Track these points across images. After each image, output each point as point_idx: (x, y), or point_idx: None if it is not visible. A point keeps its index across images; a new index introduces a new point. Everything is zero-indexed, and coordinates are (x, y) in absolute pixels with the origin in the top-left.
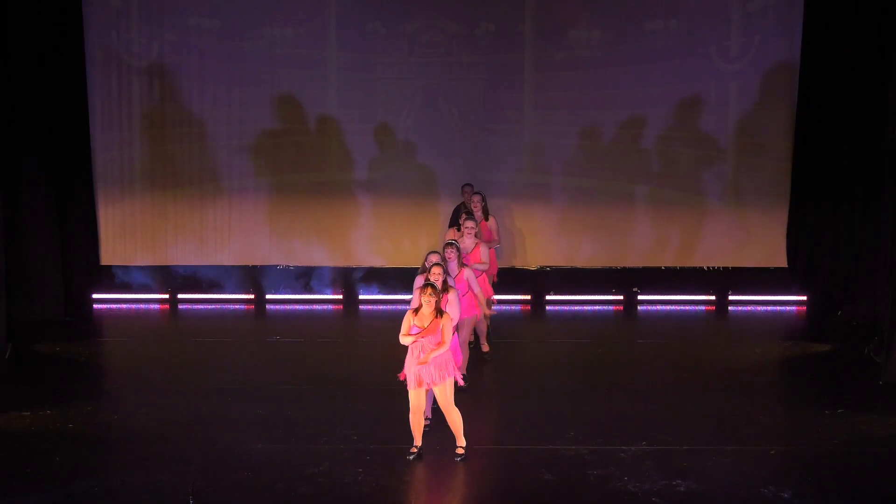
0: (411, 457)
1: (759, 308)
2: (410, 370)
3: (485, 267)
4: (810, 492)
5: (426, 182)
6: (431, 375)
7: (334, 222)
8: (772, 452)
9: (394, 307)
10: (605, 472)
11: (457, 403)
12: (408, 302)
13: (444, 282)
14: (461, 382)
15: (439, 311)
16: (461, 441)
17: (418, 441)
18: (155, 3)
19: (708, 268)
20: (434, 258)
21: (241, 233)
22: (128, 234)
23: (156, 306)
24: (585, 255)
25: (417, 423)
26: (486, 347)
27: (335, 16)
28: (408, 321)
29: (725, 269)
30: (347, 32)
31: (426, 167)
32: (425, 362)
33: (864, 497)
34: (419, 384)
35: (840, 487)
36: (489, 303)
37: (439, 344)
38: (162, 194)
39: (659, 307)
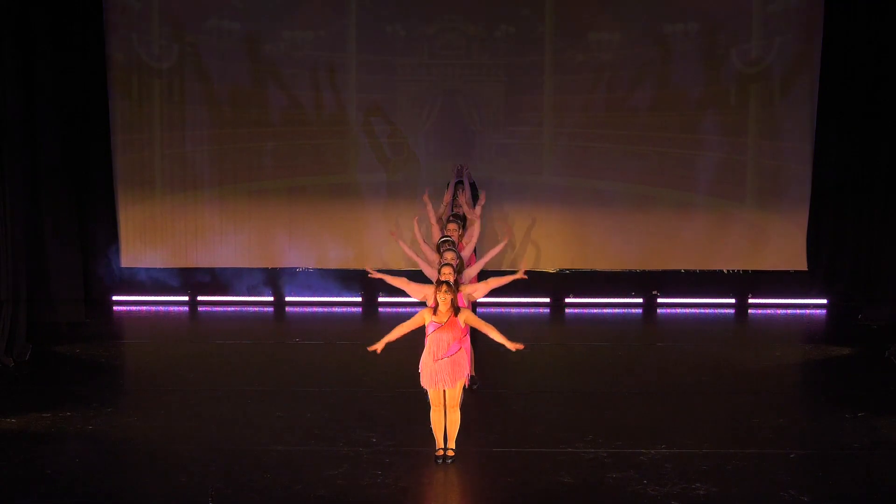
0: (440, 460)
1: (780, 311)
2: (426, 369)
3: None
4: (830, 496)
5: (445, 185)
6: (445, 378)
7: (353, 224)
8: (792, 456)
9: (413, 309)
10: (624, 476)
11: (477, 405)
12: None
13: (456, 281)
14: (466, 384)
15: (455, 309)
16: (453, 444)
17: (441, 442)
18: (175, 6)
19: (728, 271)
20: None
21: (260, 235)
22: (148, 236)
23: (176, 308)
24: (604, 257)
25: (438, 421)
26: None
27: (355, 18)
28: (421, 318)
29: (745, 272)
30: (367, 35)
31: (445, 170)
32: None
33: (885, 502)
34: (434, 384)
35: (860, 492)
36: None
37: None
38: (182, 196)
39: (678, 310)
